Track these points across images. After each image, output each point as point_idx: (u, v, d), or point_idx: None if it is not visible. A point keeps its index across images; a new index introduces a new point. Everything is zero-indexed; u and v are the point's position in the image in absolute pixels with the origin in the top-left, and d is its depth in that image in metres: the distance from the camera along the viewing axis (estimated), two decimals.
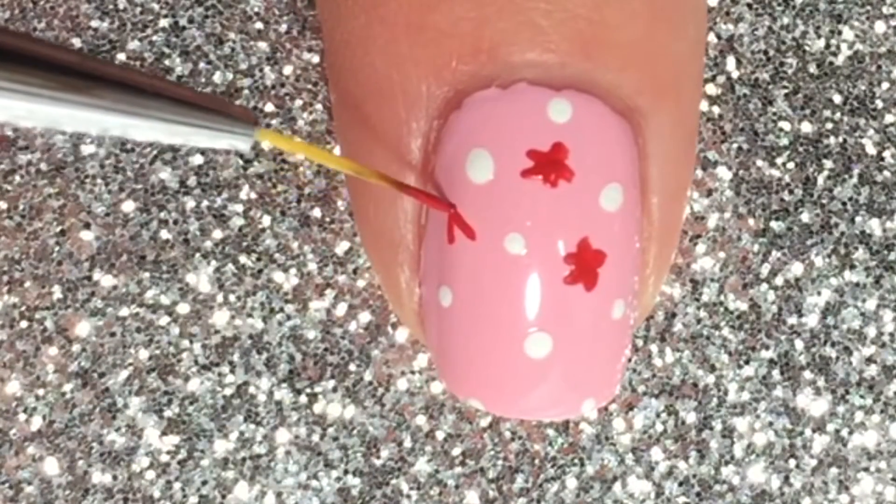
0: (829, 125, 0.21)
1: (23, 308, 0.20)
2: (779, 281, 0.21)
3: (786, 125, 0.21)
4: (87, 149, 0.20)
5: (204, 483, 0.20)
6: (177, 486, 0.20)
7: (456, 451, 0.21)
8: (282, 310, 0.20)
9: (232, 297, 0.20)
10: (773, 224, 0.21)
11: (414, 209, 0.17)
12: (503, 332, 0.17)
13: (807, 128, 0.21)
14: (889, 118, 0.21)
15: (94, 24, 0.20)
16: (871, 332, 0.21)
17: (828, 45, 0.21)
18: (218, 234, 0.20)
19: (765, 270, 0.21)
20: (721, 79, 0.20)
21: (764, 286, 0.21)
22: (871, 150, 0.21)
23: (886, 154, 0.21)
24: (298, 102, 0.20)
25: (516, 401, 0.17)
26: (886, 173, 0.21)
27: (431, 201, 0.17)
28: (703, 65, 0.19)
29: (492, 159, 0.16)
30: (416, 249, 0.18)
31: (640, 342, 0.21)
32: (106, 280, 0.20)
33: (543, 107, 0.16)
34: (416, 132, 0.17)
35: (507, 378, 0.17)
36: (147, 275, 0.20)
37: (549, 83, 0.16)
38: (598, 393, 0.18)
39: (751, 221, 0.21)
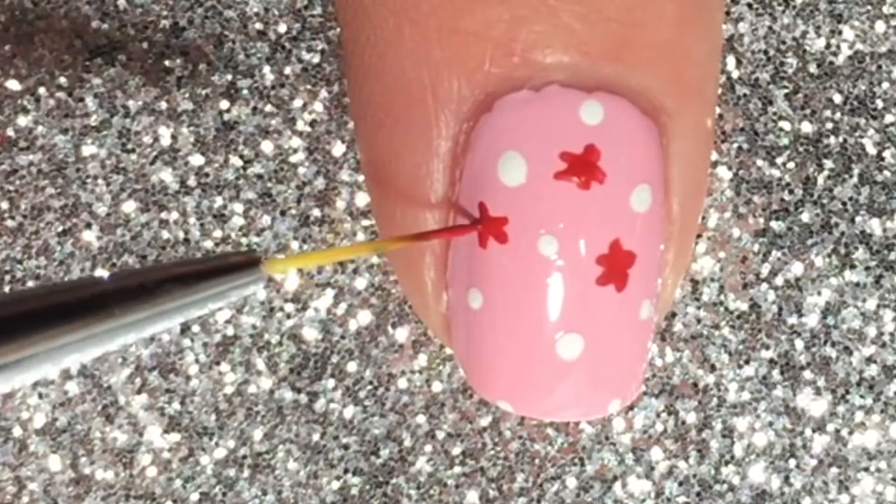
0: (829, 125, 0.20)
1: None
2: (779, 281, 0.21)
3: (786, 125, 0.20)
4: (88, 149, 0.20)
5: (205, 481, 0.21)
6: (178, 483, 0.21)
7: (456, 451, 0.21)
8: (282, 309, 0.21)
9: None
10: (774, 224, 0.21)
11: (441, 213, 0.17)
12: (535, 335, 0.17)
13: (807, 127, 0.20)
14: (889, 118, 0.20)
15: (94, 24, 0.20)
16: (871, 331, 0.21)
17: (828, 45, 0.20)
18: (218, 233, 0.20)
19: (765, 270, 0.21)
20: (721, 79, 0.20)
21: (764, 286, 0.21)
22: (872, 149, 0.20)
23: (886, 154, 0.21)
24: (298, 103, 0.20)
25: (545, 402, 0.17)
26: (886, 173, 0.21)
27: (456, 232, 0.17)
28: (720, 66, 0.19)
29: (525, 162, 0.16)
30: (443, 252, 0.18)
31: None
32: None
33: (576, 109, 0.16)
34: (445, 134, 0.17)
35: (538, 380, 0.17)
36: None
37: (580, 85, 0.16)
38: (624, 393, 0.18)
39: (751, 221, 0.21)
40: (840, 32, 0.20)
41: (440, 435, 0.21)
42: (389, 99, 0.17)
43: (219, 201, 0.20)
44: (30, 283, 0.20)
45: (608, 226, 0.16)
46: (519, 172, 0.16)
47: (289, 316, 0.21)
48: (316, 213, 0.20)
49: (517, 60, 0.16)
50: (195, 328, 0.20)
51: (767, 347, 0.21)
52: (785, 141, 0.20)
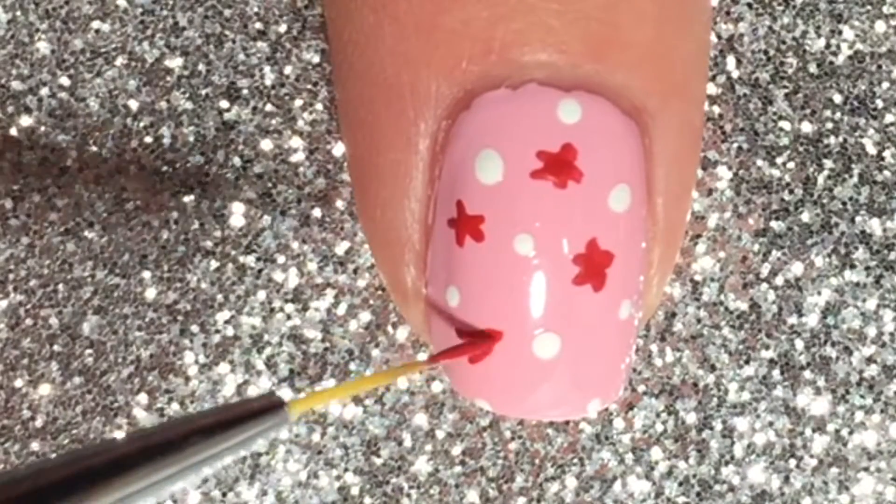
0: (830, 125, 0.20)
1: (28, 306, 0.21)
2: (779, 281, 0.21)
3: (786, 125, 0.20)
4: (89, 149, 0.20)
5: (205, 481, 0.21)
6: None
7: (456, 451, 0.21)
8: (282, 309, 0.21)
9: (232, 297, 0.21)
10: (774, 224, 0.21)
11: (421, 209, 0.17)
12: (511, 333, 0.17)
13: (807, 127, 0.20)
14: (889, 118, 0.20)
15: (95, 24, 0.20)
16: (871, 331, 0.21)
17: (828, 45, 0.20)
18: (218, 233, 0.21)
19: (765, 270, 0.21)
20: (721, 78, 0.20)
21: (764, 286, 0.21)
22: (872, 149, 0.20)
23: (886, 154, 0.20)
24: (298, 102, 0.21)
25: (523, 401, 0.17)
26: (887, 173, 0.20)
27: (471, 349, 0.17)
28: (708, 65, 0.20)
29: (501, 160, 0.16)
30: (423, 249, 0.18)
31: (640, 342, 0.21)
32: (109, 279, 0.21)
33: (553, 108, 0.16)
34: (424, 132, 0.17)
35: (515, 378, 0.17)
36: (148, 274, 0.21)
37: (558, 84, 0.16)
38: (604, 393, 0.18)
39: (751, 221, 0.21)
40: (840, 32, 0.20)
41: (440, 435, 0.21)
42: (370, 96, 0.17)
43: (219, 201, 0.20)
44: (33, 283, 0.21)
45: (585, 225, 0.16)
46: (496, 171, 0.16)
47: (289, 316, 0.21)
48: (316, 213, 0.20)
49: (495, 58, 0.16)
50: (194, 328, 0.21)
51: (767, 347, 0.21)
52: (785, 141, 0.20)
